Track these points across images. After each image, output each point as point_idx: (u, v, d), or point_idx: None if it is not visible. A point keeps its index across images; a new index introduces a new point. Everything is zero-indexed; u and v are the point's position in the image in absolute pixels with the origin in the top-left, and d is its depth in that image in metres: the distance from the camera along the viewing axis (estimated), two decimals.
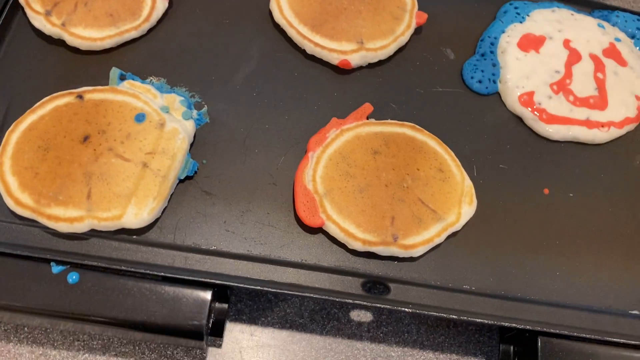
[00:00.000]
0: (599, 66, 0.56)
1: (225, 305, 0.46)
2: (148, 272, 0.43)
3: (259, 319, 0.51)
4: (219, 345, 0.49)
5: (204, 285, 0.43)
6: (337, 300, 0.44)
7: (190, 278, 0.43)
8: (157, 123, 0.47)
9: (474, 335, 0.53)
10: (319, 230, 0.47)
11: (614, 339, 0.45)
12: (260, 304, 0.51)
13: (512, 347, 0.48)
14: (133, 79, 0.50)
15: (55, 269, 0.42)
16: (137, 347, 0.49)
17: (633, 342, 0.45)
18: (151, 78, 0.51)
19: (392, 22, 0.55)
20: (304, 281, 0.45)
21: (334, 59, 0.53)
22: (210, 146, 0.49)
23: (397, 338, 0.52)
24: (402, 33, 0.55)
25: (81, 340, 0.48)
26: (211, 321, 0.45)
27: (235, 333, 0.50)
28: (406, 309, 0.44)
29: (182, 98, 0.49)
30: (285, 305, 0.52)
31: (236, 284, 0.43)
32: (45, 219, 0.43)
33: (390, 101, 0.54)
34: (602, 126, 0.53)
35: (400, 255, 0.46)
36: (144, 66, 0.52)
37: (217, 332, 0.45)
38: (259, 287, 0.43)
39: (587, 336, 0.45)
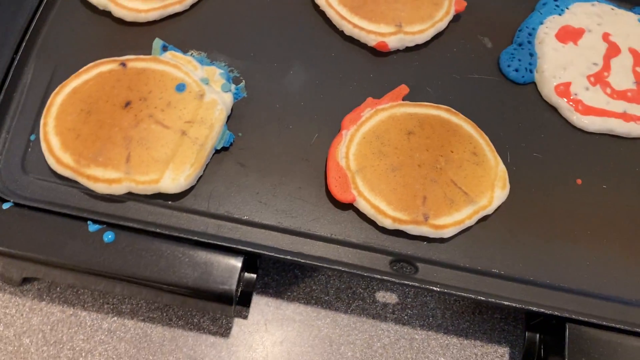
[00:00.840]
0: (638, 60, 0.56)
1: (254, 276, 0.46)
2: (182, 236, 0.43)
3: (285, 293, 0.51)
4: (245, 317, 0.50)
5: (235, 252, 0.43)
6: (364, 275, 0.44)
7: (222, 244, 0.43)
8: (197, 93, 0.48)
9: (499, 324, 0.52)
10: (350, 207, 0.48)
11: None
12: (287, 279, 0.52)
13: (538, 335, 0.47)
14: (175, 51, 0.51)
15: (92, 227, 0.43)
16: (164, 313, 0.49)
17: None
18: (192, 51, 0.52)
19: (431, 7, 0.55)
20: (333, 255, 0.46)
21: (372, 40, 0.54)
22: (246, 120, 0.50)
23: (422, 321, 0.52)
24: (440, 19, 0.55)
25: (110, 304, 0.49)
26: (240, 290, 0.46)
27: (262, 306, 0.51)
28: (434, 288, 0.44)
29: (222, 71, 0.50)
30: (312, 282, 0.52)
31: (266, 253, 0.44)
32: (85, 179, 0.44)
33: (426, 85, 0.54)
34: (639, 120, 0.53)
35: (430, 236, 0.46)
36: (186, 39, 0.53)
37: (244, 302, 0.46)
38: (288, 257, 0.44)
39: (616, 326, 0.45)
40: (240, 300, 0.46)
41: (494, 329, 0.52)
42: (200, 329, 0.49)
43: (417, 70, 0.55)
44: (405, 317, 0.52)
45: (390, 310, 0.52)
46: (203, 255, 0.43)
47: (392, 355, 0.50)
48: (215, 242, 0.43)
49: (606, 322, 0.45)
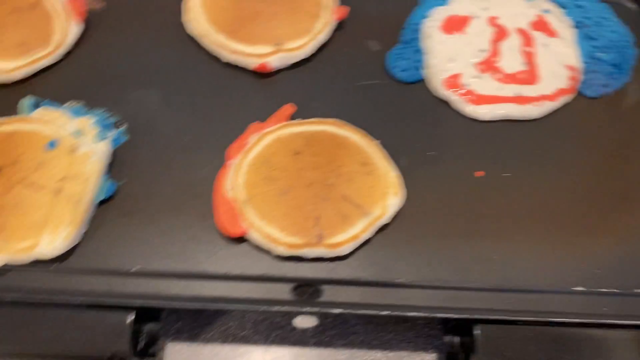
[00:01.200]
0: (527, 40, 0.55)
1: (158, 325, 0.45)
2: (66, 301, 0.42)
3: (200, 336, 0.50)
4: None
5: (125, 308, 0.42)
6: (263, 309, 0.43)
7: (108, 303, 0.42)
8: (69, 148, 0.46)
9: (424, 329, 0.51)
10: (244, 240, 0.46)
11: (555, 319, 0.44)
12: (200, 320, 0.50)
13: (457, 338, 0.46)
14: (50, 106, 0.50)
15: None
16: None
17: (576, 320, 0.44)
18: (70, 102, 0.51)
19: (309, 20, 0.54)
20: (232, 293, 0.45)
21: (252, 63, 0.52)
22: (129, 165, 0.49)
23: (344, 340, 0.50)
24: (320, 30, 0.54)
25: None
26: (142, 343, 0.44)
27: (176, 354, 0.49)
28: (334, 311, 0.43)
29: (96, 119, 0.49)
30: (227, 318, 0.50)
31: (158, 304, 0.42)
32: None
33: (314, 100, 0.53)
34: (534, 101, 0.52)
35: (328, 256, 0.45)
36: (63, 91, 0.51)
37: (151, 353, 0.45)
38: (182, 305, 0.43)
39: (528, 319, 0.43)
40: (145, 353, 0.44)
41: (419, 335, 0.51)
42: None
43: (304, 86, 0.53)
44: (326, 339, 0.50)
45: (311, 334, 0.50)
46: (90, 317, 0.42)
47: None
48: (100, 303, 0.42)
49: (516, 316, 0.43)
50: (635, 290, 0.46)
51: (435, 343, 0.51)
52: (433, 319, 0.51)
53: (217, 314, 0.51)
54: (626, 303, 0.46)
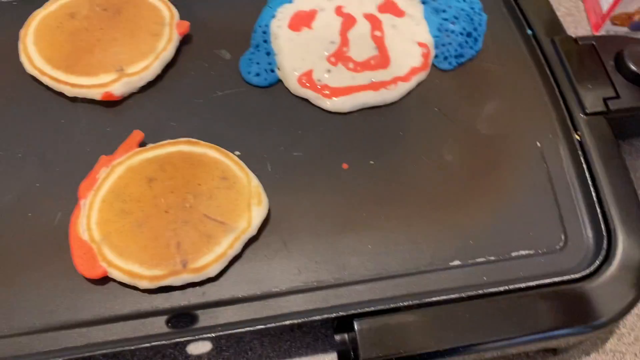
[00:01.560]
0: (375, 24, 0.54)
1: None
2: None
3: None
4: None
5: None
6: (134, 348, 0.41)
7: None
8: None
9: (320, 331, 0.50)
10: (109, 279, 0.44)
11: (434, 298, 0.43)
12: None
13: (346, 335, 0.46)
14: None
15: None
16: None
17: (454, 296, 0.44)
18: None
19: (151, 40, 0.52)
20: (103, 337, 0.42)
21: (97, 94, 0.50)
22: None
23: (241, 359, 0.49)
24: (164, 48, 0.52)
25: None
26: None
27: None
28: (211, 335, 0.42)
29: None
30: None
31: None
32: None
33: (169, 120, 0.51)
34: (389, 84, 0.52)
35: (196, 280, 0.44)
36: None
37: None
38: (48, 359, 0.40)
39: (405, 304, 0.43)
40: None
41: (317, 338, 0.50)
42: None
43: (157, 108, 0.52)
44: None
45: (206, 359, 0.49)
46: None
47: None
48: None
49: (393, 303, 0.43)
50: (513, 254, 0.47)
51: (333, 342, 0.50)
52: (326, 320, 0.51)
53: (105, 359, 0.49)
54: (505, 268, 0.46)
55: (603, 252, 0.46)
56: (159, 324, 0.43)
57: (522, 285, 0.44)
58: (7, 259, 0.45)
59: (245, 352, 0.49)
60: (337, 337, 0.45)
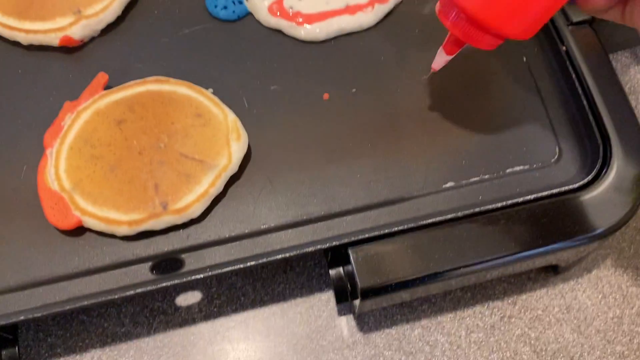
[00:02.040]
0: None
1: (15, 349, 0.40)
2: None
3: (76, 346, 0.45)
4: None
5: None
6: (118, 297, 0.39)
7: None
8: None
9: (314, 270, 0.48)
10: (85, 230, 0.42)
11: (429, 221, 0.41)
12: (72, 329, 0.46)
13: (341, 269, 0.44)
14: None
15: None
16: None
17: (450, 216, 0.42)
18: None
19: None
20: (85, 289, 0.40)
21: (54, 39, 0.47)
22: None
23: (234, 305, 0.47)
24: None
25: None
26: None
27: None
28: (200, 276, 0.39)
29: None
30: (102, 320, 0.46)
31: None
32: None
33: (135, 62, 0.48)
34: (365, 7, 0.49)
35: (179, 222, 0.41)
36: None
37: None
38: (24, 318, 0.38)
39: (400, 228, 0.41)
40: None
41: (310, 278, 0.48)
42: None
43: (120, 50, 0.48)
44: (215, 309, 0.47)
45: (197, 309, 0.47)
46: None
47: (212, 355, 0.45)
48: None
49: (388, 229, 0.41)
50: (507, 171, 0.45)
51: (328, 281, 0.48)
52: (319, 257, 0.49)
53: (90, 317, 0.46)
54: (500, 186, 0.44)
55: (599, 162, 0.44)
56: (143, 272, 0.41)
57: (519, 199, 0.42)
58: None
59: (238, 298, 0.47)
60: (332, 272, 0.43)
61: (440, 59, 0.42)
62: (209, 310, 0.47)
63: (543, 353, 0.46)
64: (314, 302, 0.47)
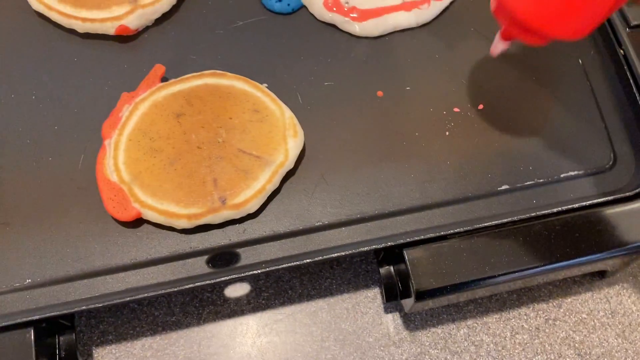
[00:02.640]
0: None
1: (72, 336, 0.41)
2: None
3: (127, 333, 0.46)
4: None
5: (21, 326, 0.38)
6: (177, 290, 0.39)
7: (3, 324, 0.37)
8: None
9: (361, 267, 0.49)
10: (143, 221, 0.42)
11: (484, 224, 0.41)
12: (124, 317, 0.46)
13: (391, 268, 0.44)
14: None
15: None
16: None
17: (505, 220, 0.42)
18: None
19: None
20: (142, 281, 0.41)
21: (110, 28, 0.47)
22: None
23: (281, 299, 0.47)
24: None
25: None
26: (59, 356, 0.40)
27: (106, 357, 0.45)
28: (257, 271, 0.40)
29: None
30: (152, 309, 0.47)
31: (57, 312, 0.38)
32: None
33: (189, 54, 0.48)
34: (421, 4, 0.48)
35: (237, 217, 0.42)
36: None
37: None
38: (83, 308, 0.38)
39: (456, 231, 0.41)
40: None
41: (357, 274, 0.48)
42: None
43: (176, 41, 0.48)
44: (263, 301, 0.47)
45: (245, 301, 0.47)
46: None
47: (259, 346, 0.46)
48: None
49: (444, 231, 0.41)
50: (562, 176, 0.45)
51: (375, 277, 0.49)
52: (367, 254, 0.49)
53: (141, 306, 0.47)
54: (554, 190, 0.44)
55: None
56: (199, 265, 0.41)
57: (575, 205, 0.42)
58: (32, 206, 0.42)
59: (285, 291, 0.48)
60: (382, 270, 0.44)
61: (498, 44, 0.42)
62: (257, 302, 0.47)
63: (587, 357, 0.46)
64: (361, 298, 0.48)
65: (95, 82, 0.47)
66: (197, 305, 0.47)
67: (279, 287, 0.48)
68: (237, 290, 0.48)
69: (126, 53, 0.48)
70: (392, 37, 0.49)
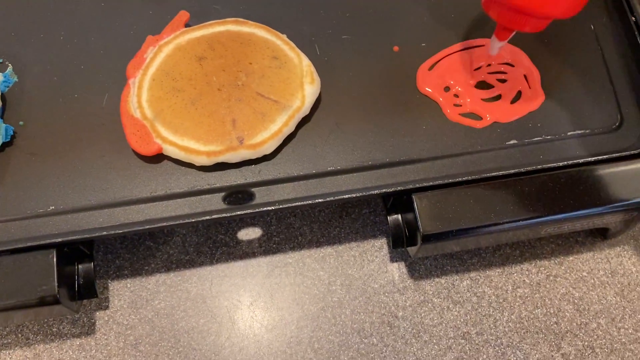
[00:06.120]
0: None
1: (91, 265, 0.43)
2: None
3: (142, 269, 0.48)
4: (105, 307, 0.46)
5: (44, 248, 0.39)
6: (194, 221, 0.41)
7: (21, 246, 0.39)
8: None
9: (369, 218, 0.50)
10: (163, 157, 0.44)
11: (492, 174, 0.43)
12: (139, 254, 0.48)
13: (399, 216, 0.45)
14: None
15: None
16: (19, 334, 0.45)
17: (512, 171, 0.43)
18: None
19: None
20: (159, 213, 0.42)
21: None
22: (25, 105, 0.45)
23: (292, 244, 0.49)
24: None
25: None
26: (78, 283, 0.42)
27: (120, 290, 0.47)
28: (271, 208, 0.41)
29: None
30: (167, 247, 0.49)
31: (78, 237, 0.40)
32: None
33: (212, 3, 0.49)
34: None
35: (254, 157, 0.43)
36: None
37: (89, 294, 0.42)
38: (104, 233, 0.40)
39: (463, 179, 0.43)
40: (84, 293, 0.42)
41: (365, 224, 0.50)
42: (61, 336, 0.45)
43: None
44: (274, 245, 0.49)
45: (257, 244, 0.49)
46: (11, 263, 0.39)
47: (269, 287, 0.48)
48: (18, 246, 0.39)
49: (452, 179, 0.43)
50: (569, 134, 0.46)
51: (382, 228, 0.50)
52: (375, 203, 0.50)
53: (157, 244, 0.49)
54: (562, 147, 0.45)
55: None
56: (216, 201, 0.43)
57: (580, 160, 0.44)
58: (57, 139, 0.44)
59: (296, 237, 0.49)
60: (390, 219, 0.46)
61: (495, 45, 0.44)
62: (268, 246, 0.49)
63: (586, 312, 0.48)
64: (367, 247, 0.49)
65: (121, 26, 0.48)
66: (211, 245, 0.49)
67: (290, 233, 0.50)
68: (249, 234, 0.50)
69: (150, 1, 0.49)
70: None
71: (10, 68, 0.46)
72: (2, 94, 0.44)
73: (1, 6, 0.48)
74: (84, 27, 0.48)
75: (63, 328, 0.46)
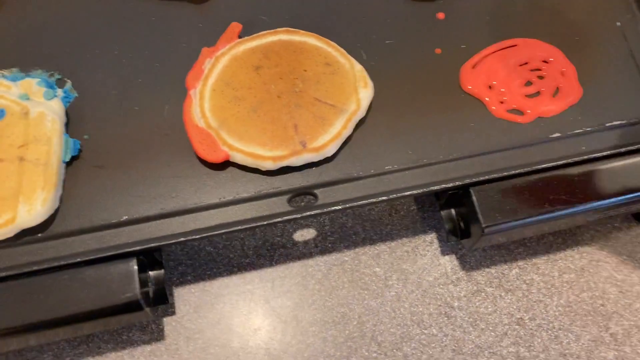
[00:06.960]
0: None
1: (161, 272, 0.44)
2: (59, 264, 0.40)
3: (205, 274, 0.49)
4: (172, 313, 0.48)
5: (124, 257, 0.41)
6: (265, 223, 0.42)
7: (106, 255, 0.40)
8: (20, 113, 0.43)
9: (418, 215, 0.52)
10: (228, 164, 0.45)
11: (541, 166, 0.45)
12: (201, 259, 0.50)
13: (452, 210, 0.48)
14: None
15: None
16: (90, 344, 0.46)
17: (555, 164, 0.46)
18: (1, 72, 0.47)
19: None
20: (230, 217, 0.44)
21: None
22: (88, 120, 0.46)
23: (346, 242, 0.51)
24: None
25: (29, 358, 0.46)
26: (151, 291, 0.43)
27: (186, 295, 0.48)
28: (337, 207, 0.43)
29: (39, 79, 0.45)
30: (227, 252, 0.50)
31: (157, 244, 0.41)
32: None
33: (259, 14, 0.51)
34: None
35: (316, 160, 0.45)
36: None
37: (160, 300, 0.44)
38: (182, 239, 0.41)
39: (516, 172, 0.45)
40: (156, 300, 0.44)
41: (415, 221, 0.52)
42: (132, 344, 0.47)
43: (245, 3, 0.51)
44: (329, 245, 0.51)
45: (313, 245, 0.51)
46: (92, 273, 0.40)
47: (329, 285, 0.49)
48: (98, 256, 0.40)
49: (505, 172, 0.45)
50: (607, 124, 0.49)
51: (431, 223, 0.52)
52: (427, 200, 0.53)
53: (217, 249, 0.50)
54: (601, 138, 0.48)
55: None
56: (281, 203, 0.44)
57: (622, 150, 0.46)
58: (123, 151, 0.45)
59: (349, 236, 0.51)
60: (444, 213, 0.48)
61: None
62: (324, 245, 0.51)
63: (629, 293, 0.50)
64: (419, 242, 0.51)
65: (173, 40, 0.49)
66: (269, 248, 0.50)
67: (343, 232, 0.51)
68: (305, 235, 0.51)
69: (200, 14, 0.51)
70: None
71: (69, 84, 0.47)
72: (65, 109, 0.45)
73: (55, 25, 0.49)
74: (137, 42, 0.49)
75: (132, 335, 0.47)
